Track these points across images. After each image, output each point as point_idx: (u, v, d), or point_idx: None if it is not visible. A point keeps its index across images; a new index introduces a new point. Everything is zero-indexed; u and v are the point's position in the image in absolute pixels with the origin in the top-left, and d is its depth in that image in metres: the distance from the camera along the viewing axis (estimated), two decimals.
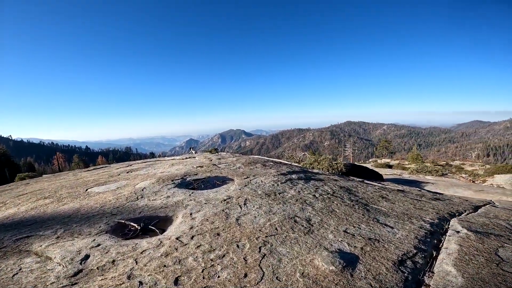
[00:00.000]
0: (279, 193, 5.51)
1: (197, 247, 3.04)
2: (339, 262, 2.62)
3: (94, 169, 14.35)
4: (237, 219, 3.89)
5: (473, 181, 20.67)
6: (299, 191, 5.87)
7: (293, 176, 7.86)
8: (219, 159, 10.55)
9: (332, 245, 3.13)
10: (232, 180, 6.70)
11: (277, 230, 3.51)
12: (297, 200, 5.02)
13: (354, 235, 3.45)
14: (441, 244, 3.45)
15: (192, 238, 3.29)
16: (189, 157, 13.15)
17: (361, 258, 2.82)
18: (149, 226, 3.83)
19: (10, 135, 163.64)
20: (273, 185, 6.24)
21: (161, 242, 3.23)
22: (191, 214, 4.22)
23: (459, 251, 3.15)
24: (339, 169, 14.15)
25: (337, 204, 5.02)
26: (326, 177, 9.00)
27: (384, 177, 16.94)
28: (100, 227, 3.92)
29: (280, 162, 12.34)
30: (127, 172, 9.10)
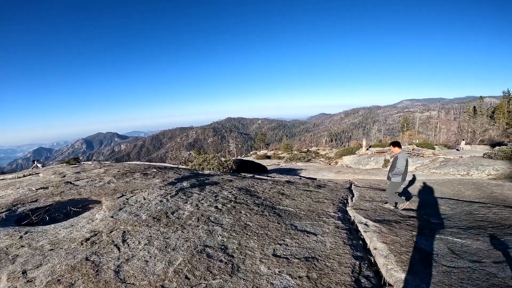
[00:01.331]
0: (173, 213, 4.24)
1: None
2: None
3: None
4: (116, 272, 2.47)
5: (329, 164, 25.43)
6: (197, 205, 4.79)
7: (184, 183, 6.63)
8: (78, 172, 7.81)
9: (273, 284, 2.34)
10: (99, 202, 4.79)
11: (189, 279, 2.38)
12: (199, 220, 3.96)
13: (288, 259, 2.90)
14: (367, 245, 3.60)
15: None
16: (29, 174, 9.31)
17: None
18: None
19: None
20: (161, 201, 4.84)
21: None
22: (24, 272, 2.40)
23: (389, 250, 3.23)
24: (230, 167, 13.81)
25: (246, 214, 4.33)
26: (220, 178, 8.27)
27: (267, 168, 18.14)
28: None
29: (165, 167, 10.67)
30: None
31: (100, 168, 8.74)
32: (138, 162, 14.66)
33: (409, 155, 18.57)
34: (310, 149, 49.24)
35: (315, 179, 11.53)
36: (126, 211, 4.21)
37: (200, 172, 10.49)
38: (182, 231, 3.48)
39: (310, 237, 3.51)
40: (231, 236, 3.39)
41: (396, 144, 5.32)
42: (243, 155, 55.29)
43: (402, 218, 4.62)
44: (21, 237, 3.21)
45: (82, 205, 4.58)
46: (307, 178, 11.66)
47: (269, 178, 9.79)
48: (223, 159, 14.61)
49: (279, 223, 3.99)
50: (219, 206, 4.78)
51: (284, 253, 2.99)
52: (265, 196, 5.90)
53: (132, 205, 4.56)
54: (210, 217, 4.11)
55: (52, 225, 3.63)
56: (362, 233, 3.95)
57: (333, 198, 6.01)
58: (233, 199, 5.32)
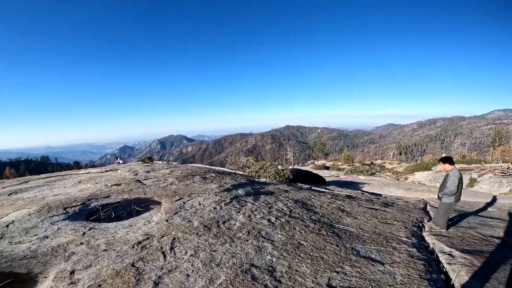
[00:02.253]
0: (224, 222, 4.07)
1: None
2: None
3: None
4: (156, 284, 2.33)
5: (397, 179, 22.68)
6: (249, 216, 4.55)
7: (240, 191, 6.51)
8: (148, 171, 8.52)
9: None
10: (159, 203, 4.97)
11: None
12: (249, 233, 3.69)
13: None
14: (451, 280, 2.81)
15: None
16: (110, 170, 10.62)
17: None
18: None
19: None
20: (215, 208, 4.75)
21: None
22: (72, 272, 2.48)
23: None
24: (286, 176, 13.40)
25: (300, 232, 3.88)
26: (276, 188, 7.94)
27: (326, 179, 17.16)
28: None
29: (223, 172, 10.88)
30: (9, 195, 6.41)
31: (167, 169, 9.40)
32: (199, 165, 15.49)
33: (503, 174, 15.15)
34: (374, 162, 45.34)
35: (380, 195, 10.27)
36: (180, 215, 4.22)
37: (256, 179, 10.37)
38: (230, 245, 3.25)
39: (376, 266, 2.86)
40: (281, 257, 2.99)
41: (447, 160, 4.75)
42: (300, 164, 54.03)
43: (498, 249, 3.56)
44: (84, 233, 3.43)
45: (144, 205, 4.82)
46: (370, 193, 10.47)
47: (327, 191, 9.06)
48: (280, 167, 14.29)
49: (337, 246, 3.43)
50: (272, 219, 4.44)
51: (342, 284, 2.44)
52: (323, 211, 5.32)
53: (187, 209, 4.58)
54: (261, 231, 3.79)
55: (114, 223, 3.83)
56: (445, 265, 3.08)
57: (404, 219, 5.09)
58: (288, 213, 4.91)
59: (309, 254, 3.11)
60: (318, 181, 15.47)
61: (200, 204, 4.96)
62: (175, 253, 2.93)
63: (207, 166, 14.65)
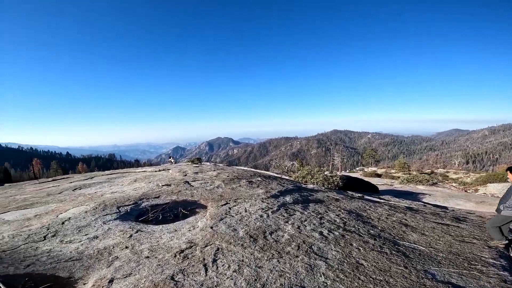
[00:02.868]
0: (272, 233, 3.71)
1: None
2: None
3: (52, 180, 12.11)
4: None
5: (465, 190, 19.66)
6: (298, 226, 4.11)
7: (287, 198, 6.10)
8: (196, 173, 8.66)
9: None
10: (205, 207, 4.84)
11: None
12: (299, 247, 3.26)
13: None
14: None
15: None
16: (163, 169, 11.16)
17: None
18: None
19: None
20: (261, 216, 4.43)
21: None
22: (111, 281, 2.37)
23: None
24: (336, 183, 12.51)
25: (358, 248, 3.31)
26: (325, 195, 7.33)
27: (378, 187, 15.69)
28: None
29: (269, 176, 10.56)
30: (74, 190, 7.05)
31: (214, 171, 9.47)
32: (245, 168, 15.47)
33: None
34: (435, 171, 40.42)
35: (447, 208, 8.83)
36: (226, 222, 3.99)
37: (303, 185, 9.83)
38: (278, 260, 2.86)
39: None
40: (337, 279, 2.49)
41: None
42: (347, 171, 51.04)
43: None
44: (130, 236, 3.40)
45: (191, 208, 4.73)
46: (434, 206, 9.10)
47: (383, 201, 8.08)
48: (328, 173, 13.44)
49: (406, 267, 2.78)
50: (325, 232, 3.92)
51: None
52: (382, 225, 4.59)
53: (232, 216, 4.34)
54: (313, 246, 3.32)
55: (160, 227, 3.76)
56: None
57: (485, 238, 4.15)
58: (342, 225, 4.33)
59: (371, 277, 2.56)
60: (370, 189, 14.21)
61: (246, 211, 4.68)
62: (217, 267, 2.66)
63: (252, 170, 14.54)
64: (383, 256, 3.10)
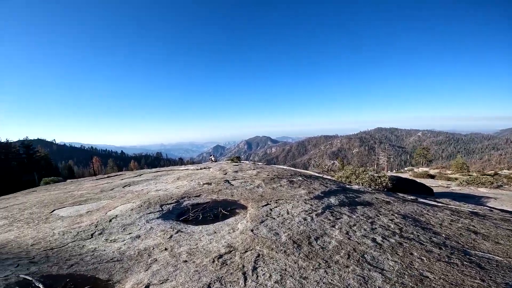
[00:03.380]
0: (317, 239, 3.36)
1: None
2: None
3: (107, 177, 13.21)
4: None
5: None
6: (347, 232, 3.69)
7: (332, 199, 5.66)
8: (236, 171, 8.60)
9: None
10: (245, 208, 4.67)
11: None
12: (349, 256, 2.86)
13: None
14: None
15: None
16: (204, 168, 11.39)
17: None
18: None
19: (54, 139, 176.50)
20: (305, 219, 4.10)
21: None
22: (147, 286, 2.27)
23: None
24: (384, 184, 11.51)
25: (421, 258, 2.79)
26: (373, 197, 6.69)
27: (432, 189, 14.12)
28: None
29: (310, 176, 10.08)
30: (124, 187, 7.48)
31: (253, 169, 9.35)
32: (284, 167, 15.12)
33: None
34: (499, 172, 35.30)
35: None
36: (267, 225, 3.75)
37: (348, 186, 9.18)
38: (325, 271, 2.51)
39: None
40: None
41: None
42: (394, 171, 47.32)
43: None
44: (171, 236, 3.34)
45: (230, 208, 4.60)
46: (501, 210, 7.76)
47: (442, 205, 7.10)
48: (374, 173, 12.44)
49: (483, 280, 2.21)
50: (378, 239, 3.44)
51: None
52: (447, 232, 3.91)
53: (274, 218, 4.09)
54: (365, 255, 2.89)
55: (200, 228, 3.66)
56: None
57: None
58: (397, 231, 3.79)
59: None
60: (424, 191, 12.83)
61: (288, 213, 4.39)
62: (257, 276, 2.41)
63: (292, 169, 14.14)
64: (452, 267, 2.57)
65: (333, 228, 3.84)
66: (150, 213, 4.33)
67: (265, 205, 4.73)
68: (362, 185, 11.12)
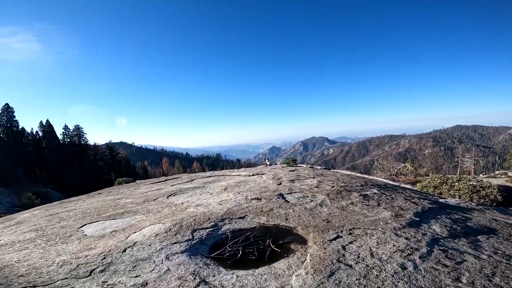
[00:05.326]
0: None
1: None
2: None
3: (165, 180, 13.25)
4: None
5: None
6: None
7: (434, 226, 3.79)
8: (293, 180, 7.16)
9: None
10: (304, 242, 3.22)
11: None
12: None
13: None
14: None
15: None
16: (257, 174, 10.26)
17: None
18: None
19: (133, 142, 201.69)
20: (404, 268, 2.45)
21: None
22: None
23: None
24: (492, 197, 8.63)
25: None
26: (488, 218, 4.57)
27: None
28: None
29: (386, 186, 7.98)
30: (168, 196, 6.79)
31: (313, 177, 7.79)
32: (349, 172, 13.00)
33: None
34: None
35: None
36: (340, 282, 2.28)
37: (442, 200, 6.88)
38: None
39: None
40: None
41: None
42: (482, 175, 38.90)
43: None
44: None
45: (283, 242, 3.24)
46: None
47: None
48: (475, 182, 9.46)
49: None
50: None
51: None
52: None
53: (350, 265, 2.56)
54: None
55: (234, 277, 2.39)
56: None
57: None
58: None
59: None
60: None
61: (373, 255, 2.80)
62: None
63: (358, 175, 11.97)
64: None
65: (459, 285, 2.17)
66: (176, 242, 3.24)
67: (334, 238, 3.21)
68: (460, 198, 8.50)
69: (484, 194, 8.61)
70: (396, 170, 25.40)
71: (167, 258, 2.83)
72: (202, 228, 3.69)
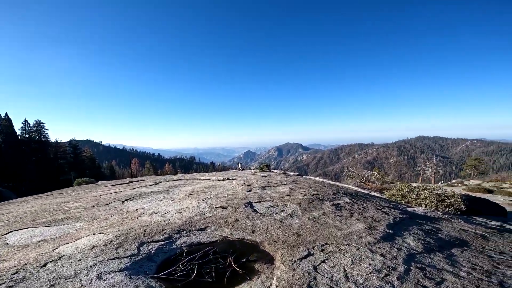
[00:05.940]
0: None
1: None
2: None
3: (129, 182, 12.20)
4: None
5: None
6: None
7: (408, 239, 3.56)
8: (264, 187, 6.74)
9: None
10: (271, 260, 2.78)
11: None
12: None
13: None
14: None
15: None
16: (227, 179, 9.73)
17: None
18: None
19: (101, 141, 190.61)
20: None
21: None
22: None
23: None
24: (456, 206, 8.86)
25: None
26: (457, 228, 4.49)
27: (505, 208, 11.24)
28: None
29: (357, 194, 7.87)
30: (124, 201, 6.04)
31: (285, 184, 7.44)
32: (321, 179, 12.91)
33: None
34: None
35: None
36: None
37: (410, 210, 6.87)
38: None
39: None
40: None
41: None
42: (440, 183, 41.77)
43: None
44: None
45: (246, 260, 2.78)
46: None
47: None
48: (440, 191, 9.73)
49: None
50: None
51: None
52: None
53: None
54: None
55: None
56: None
57: None
58: None
59: None
60: (496, 212, 10.30)
61: (347, 277, 2.44)
62: None
63: (330, 182, 11.90)
64: None
65: None
66: (115, 258, 2.64)
67: (305, 257, 2.81)
68: (426, 206, 8.64)
69: (448, 203, 8.81)
70: (364, 178, 26.19)
71: (99, 277, 2.23)
72: (153, 241, 3.11)
